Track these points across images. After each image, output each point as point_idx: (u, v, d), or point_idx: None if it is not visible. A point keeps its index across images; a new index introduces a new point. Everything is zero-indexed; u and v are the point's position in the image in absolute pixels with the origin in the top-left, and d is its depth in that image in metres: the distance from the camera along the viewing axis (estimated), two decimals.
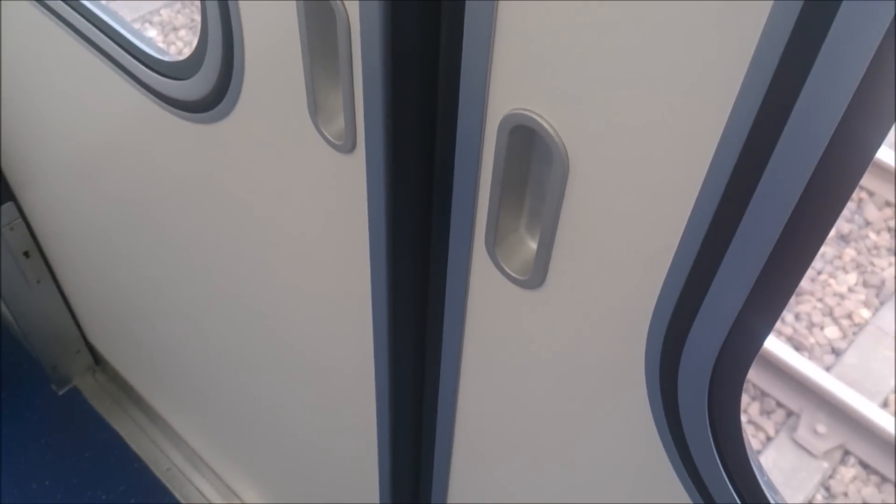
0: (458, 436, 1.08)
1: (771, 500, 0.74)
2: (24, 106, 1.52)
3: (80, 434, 2.18)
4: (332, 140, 0.87)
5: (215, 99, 0.99)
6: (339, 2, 0.74)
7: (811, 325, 3.38)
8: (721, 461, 0.74)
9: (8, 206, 1.83)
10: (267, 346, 1.38)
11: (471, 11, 0.66)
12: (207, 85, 0.99)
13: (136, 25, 4.11)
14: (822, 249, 3.58)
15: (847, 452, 3.05)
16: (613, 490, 0.92)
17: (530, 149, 0.71)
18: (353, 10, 0.74)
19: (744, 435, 0.73)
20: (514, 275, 0.80)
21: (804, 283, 3.47)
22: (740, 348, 0.66)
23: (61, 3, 1.15)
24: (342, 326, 1.12)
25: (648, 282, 0.68)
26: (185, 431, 2.09)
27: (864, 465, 3.02)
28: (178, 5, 4.29)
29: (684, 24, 0.53)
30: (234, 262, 1.27)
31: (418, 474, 1.22)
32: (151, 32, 4.20)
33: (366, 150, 0.84)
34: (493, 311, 0.88)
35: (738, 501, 0.75)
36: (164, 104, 1.09)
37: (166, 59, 1.05)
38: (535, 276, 0.78)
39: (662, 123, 0.59)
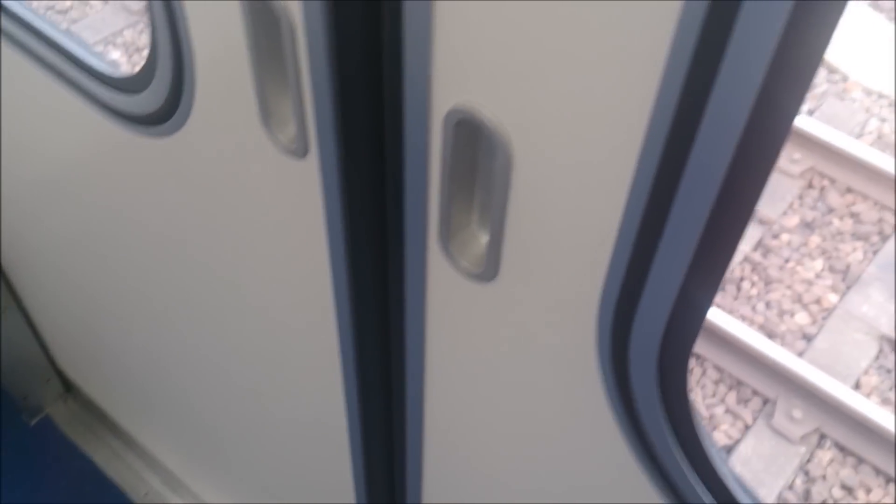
0: (427, 430, 1.09)
1: (719, 469, 0.76)
2: None
3: (54, 464, 2.15)
4: (286, 145, 0.87)
5: (168, 111, 0.99)
6: (284, 12, 0.75)
7: (782, 313, 3.42)
8: (674, 437, 0.75)
9: None
10: (236, 355, 1.38)
11: (409, 11, 0.67)
12: (159, 98, 0.99)
13: (100, 48, 4.09)
14: (789, 237, 3.63)
15: (823, 436, 3.09)
16: (575, 473, 0.93)
17: (476, 143, 0.72)
18: (297, 16, 0.75)
19: (692, 409, 0.74)
20: (468, 269, 0.81)
21: (773, 271, 3.51)
22: (683, 325, 0.69)
23: (12, 23, 1.15)
24: (308, 330, 1.13)
25: (594, 268, 0.70)
26: (160, 453, 2.07)
27: (840, 448, 3.06)
28: (141, 26, 4.28)
29: (608, 20, 0.55)
30: (199, 274, 1.27)
31: (393, 475, 1.22)
32: (115, 54, 4.18)
33: (319, 154, 0.84)
34: (451, 306, 0.89)
35: (688, 471, 0.77)
36: (117, 119, 1.09)
37: (117, 74, 1.05)
38: (489, 269, 0.79)
39: (594, 113, 0.61)
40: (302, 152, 0.86)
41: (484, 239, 0.79)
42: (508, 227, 0.75)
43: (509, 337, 0.86)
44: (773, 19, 0.46)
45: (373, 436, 1.15)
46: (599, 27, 0.56)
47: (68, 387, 2.28)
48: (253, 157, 0.94)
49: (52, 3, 4.32)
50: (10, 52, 1.18)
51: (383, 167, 0.83)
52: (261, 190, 0.98)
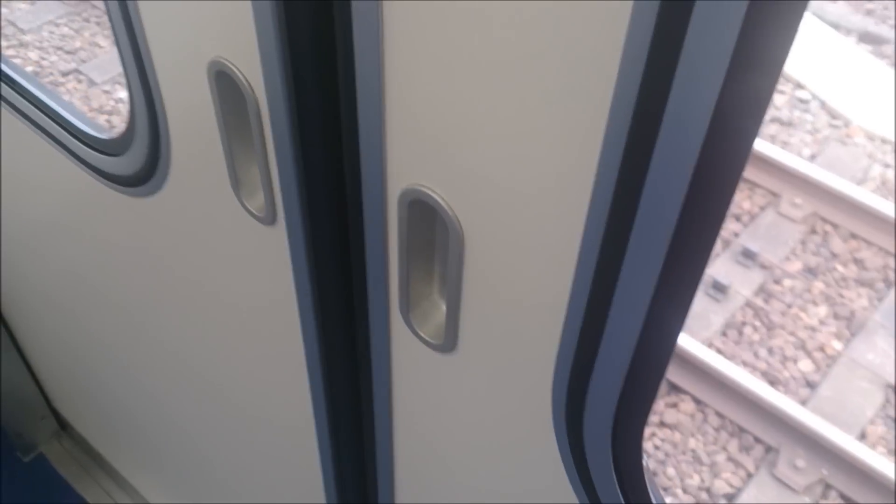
0: (398, 485, 1.10)
1: None
2: None
3: (46, 501, 2.16)
4: (255, 213, 0.89)
5: (147, 174, 1.02)
6: (248, 87, 0.77)
7: (784, 359, 3.40)
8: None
9: None
10: (216, 405, 1.39)
11: (362, 94, 0.69)
12: (139, 161, 1.01)
13: (107, 87, 4.16)
14: (791, 283, 3.62)
15: (828, 486, 3.05)
16: None
17: (432, 219, 0.74)
18: (261, 95, 0.77)
19: (648, 480, 0.75)
20: (428, 339, 0.82)
21: (775, 317, 3.50)
22: (636, 400, 0.70)
23: (8, 87, 1.18)
24: (282, 388, 1.14)
25: (547, 343, 0.71)
26: (150, 494, 2.08)
27: (846, 499, 3.02)
28: None
29: (544, 103, 0.57)
30: (179, 327, 1.29)
31: None
32: (122, 93, 4.25)
33: (286, 222, 0.86)
34: (414, 373, 0.91)
35: None
36: (102, 179, 1.11)
37: (102, 135, 1.08)
38: (448, 341, 0.81)
39: (539, 195, 0.63)
40: (270, 220, 0.88)
41: (444, 310, 0.81)
42: (465, 302, 0.77)
43: (469, 405, 0.87)
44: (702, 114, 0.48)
45: (348, 487, 1.16)
46: (538, 111, 0.58)
47: (63, 425, 2.29)
48: (226, 222, 0.96)
49: (61, 43, 4.40)
50: (6, 114, 1.22)
51: (348, 237, 0.85)
52: (234, 253, 1.00)
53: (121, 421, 1.91)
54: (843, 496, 3.03)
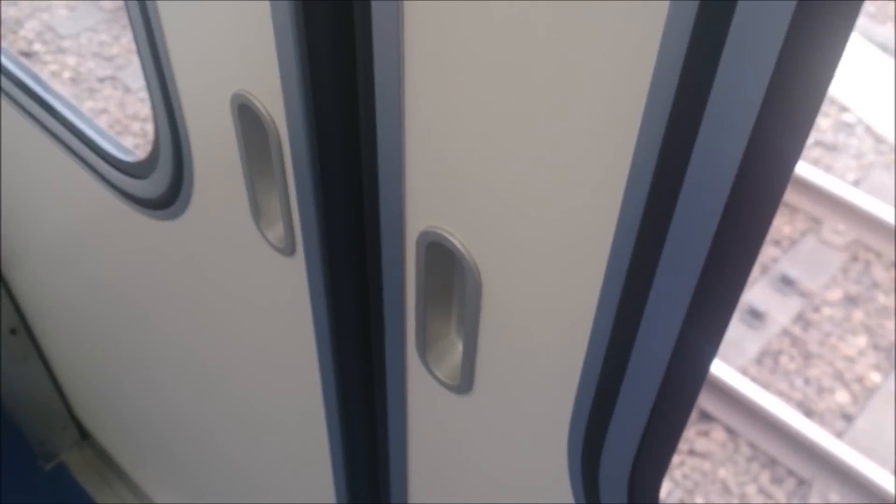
0: None
1: None
2: (10, 195, 1.57)
3: None
4: (274, 244, 0.88)
5: (169, 199, 1.01)
6: (269, 121, 0.76)
7: (821, 390, 3.34)
8: None
9: None
10: (238, 429, 1.39)
11: (382, 134, 0.67)
12: (163, 185, 1.01)
13: (143, 94, 4.19)
14: (830, 311, 3.55)
15: None
16: None
17: (450, 262, 0.72)
18: (283, 129, 0.76)
19: None
20: (444, 380, 0.80)
21: (813, 346, 3.43)
22: (655, 449, 0.67)
23: (39, 109, 1.19)
24: (299, 416, 1.14)
25: (563, 392, 0.69)
26: None
27: None
28: None
29: (567, 151, 0.55)
30: (198, 349, 1.29)
31: None
32: None
33: (305, 255, 0.85)
34: (430, 412, 0.89)
35: None
36: (125, 200, 1.11)
37: (128, 158, 1.07)
38: (464, 382, 0.79)
39: (559, 245, 0.61)
40: (290, 251, 0.87)
41: (460, 351, 0.79)
42: (481, 345, 0.75)
43: (483, 447, 0.86)
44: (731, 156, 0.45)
45: None
46: (559, 158, 0.56)
47: (84, 435, 2.31)
48: (246, 251, 0.95)
49: (99, 49, 4.45)
50: (39, 135, 1.23)
51: (367, 272, 0.84)
52: (252, 282, 0.99)
53: (141, 433, 1.92)
54: None
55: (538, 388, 0.73)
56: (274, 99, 0.74)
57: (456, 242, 0.68)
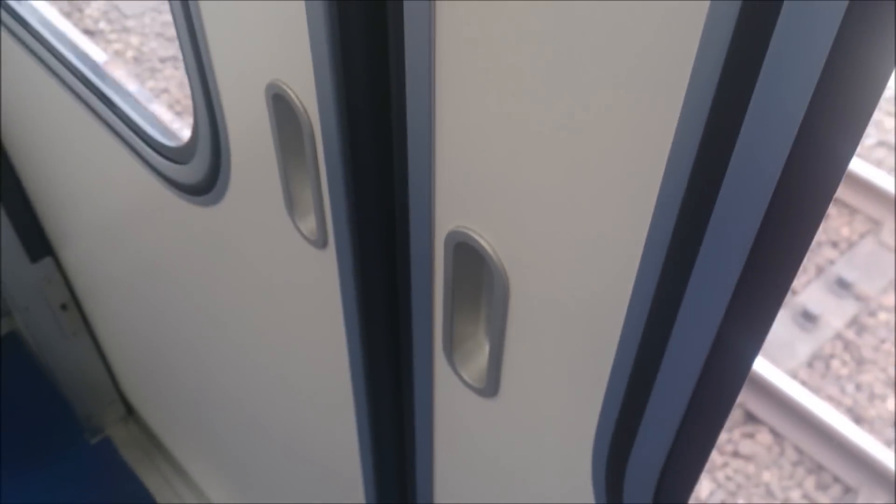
0: None
1: None
2: (63, 176, 1.60)
3: (108, 484, 2.22)
4: (307, 236, 0.88)
5: (209, 185, 1.02)
6: (303, 111, 0.76)
7: (872, 397, 3.27)
8: None
9: (47, 261, 1.90)
10: (272, 413, 1.40)
11: (413, 131, 0.67)
12: (201, 171, 1.01)
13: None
14: (887, 317, 3.46)
15: None
16: None
17: (479, 262, 0.71)
18: (315, 118, 0.75)
19: None
20: (470, 382, 0.79)
21: (866, 351, 3.36)
22: (684, 464, 0.66)
23: (87, 92, 1.21)
24: (328, 408, 1.14)
25: (590, 401, 0.68)
26: (207, 485, 2.12)
27: None
28: None
29: (601, 157, 0.54)
30: (236, 333, 1.30)
31: None
32: None
33: (336, 248, 0.85)
34: (456, 415, 0.88)
35: None
36: (167, 184, 1.12)
37: (172, 143, 1.08)
38: (490, 385, 0.78)
39: (589, 249, 0.60)
40: (322, 244, 0.87)
41: (487, 353, 0.78)
42: (508, 349, 0.74)
43: (508, 451, 0.85)
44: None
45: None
46: (593, 165, 0.55)
47: (130, 410, 2.35)
48: (280, 242, 0.95)
49: (162, 30, 4.50)
50: (86, 117, 1.25)
51: (396, 271, 0.83)
52: (287, 272, 1.00)
53: (184, 411, 1.94)
54: None
55: (565, 393, 0.72)
56: (307, 90, 0.73)
57: (484, 244, 0.67)
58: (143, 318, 1.75)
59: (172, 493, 2.18)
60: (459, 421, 0.88)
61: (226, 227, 1.07)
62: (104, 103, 1.18)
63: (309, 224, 0.88)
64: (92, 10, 4.65)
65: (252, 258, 1.07)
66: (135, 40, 4.46)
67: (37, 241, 1.85)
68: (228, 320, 1.30)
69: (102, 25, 4.55)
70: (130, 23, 4.56)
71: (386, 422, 1.00)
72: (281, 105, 0.78)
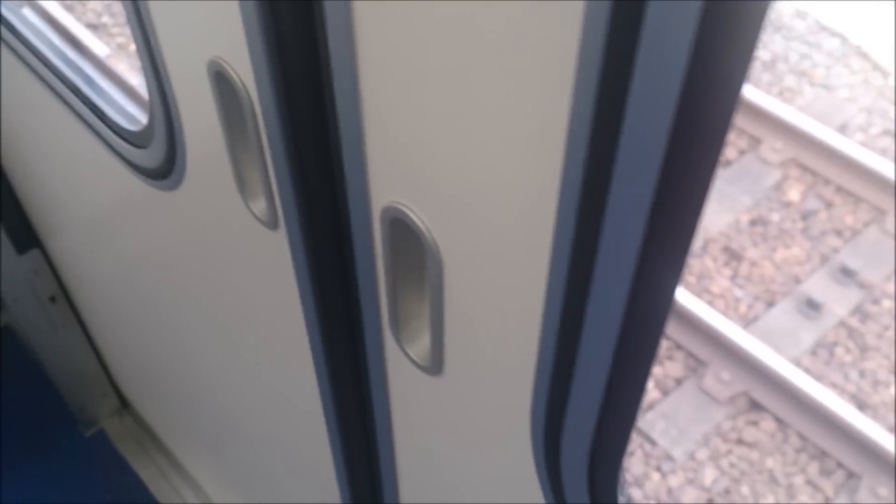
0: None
1: None
2: (46, 167, 1.61)
3: (102, 476, 2.23)
4: (259, 216, 0.88)
5: (167, 169, 1.02)
6: (242, 88, 0.76)
7: (876, 384, 3.25)
8: None
9: (34, 253, 1.91)
10: (248, 403, 1.41)
11: (342, 107, 0.67)
12: (160, 155, 1.01)
13: None
14: (891, 304, 3.44)
15: None
16: None
17: (416, 240, 0.71)
18: (255, 95, 0.75)
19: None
20: (417, 360, 0.79)
21: (870, 338, 3.33)
22: (612, 434, 0.66)
23: (58, 81, 1.21)
24: (295, 390, 1.15)
25: (524, 371, 0.68)
26: (201, 478, 2.12)
27: None
28: None
29: (504, 134, 0.54)
30: (211, 320, 1.31)
31: None
32: None
33: (286, 229, 0.85)
34: (408, 392, 0.89)
35: None
36: (133, 170, 1.12)
37: (132, 127, 1.08)
38: (434, 362, 0.78)
39: (508, 215, 0.60)
40: (273, 224, 0.87)
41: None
42: (448, 325, 0.74)
43: (458, 426, 0.85)
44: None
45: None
46: (504, 138, 0.55)
47: (124, 403, 2.36)
48: (236, 224, 0.95)
49: None
50: (58, 108, 1.25)
51: (346, 249, 0.83)
52: (243, 255, 1.00)
53: (175, 401, 1.95)
54: None
55: (502, 364, 0.72)
56: (246, 67, 0.73)
57: (416, 219, 0.67)
58: (130, 308, 1.76)
59: (168, 485, 2.19)
60: (412, 399, 0.89)
61: (189, 210, 1.07)
62: (72, 91, 1.18)
63: (260, 205, 0.87)
64: (95, 3, 4.67)
65: (214, 242, 1.07)
66: None
67: (23, 232, 1.86)
68: (201, 307, 1.31)
69: (105, 19, 4.57)
70: None
71: (349, 401, 1.00)
72: (223, 83, 0.78)
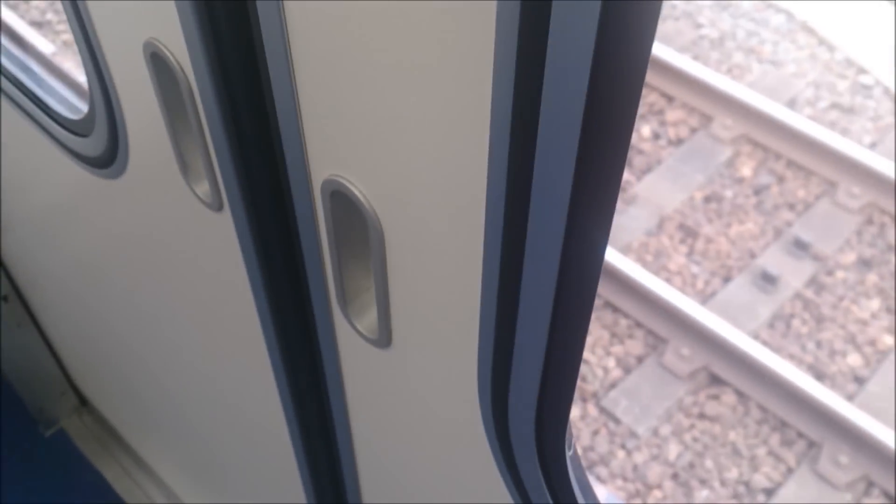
0: (364, 487, 1.09)
1: None
2: None
3: (65, 476, 2.21)
4: (203, 198, 0.88)
5: (111, 156, 1.01)
6: (179, 69, 0.75)
7: (833, 353, 3.31)
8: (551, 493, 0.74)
9: None
10: (204, 392, 1.40)
11: (276, 81, 0.67)
12: (102, 143, 1.01)
13: None
14: (844, 275, 3.50)
15: (871, 484, 2.97)
16: None
17: (358, 212, 0.71)
18: (191, 75, 0.75)
19: (567, 466, 0.73)
20: (365, 334, 0.80)
21: (826, 309, 3.40)
22: (556, 393, 0.67)
23: None
24: (251, 379, 1.14)
25: (468, 337, 0.69)
26: (164, 473, 2.11)
27: (890, 497, 2.94)
28: None
29: (430, 101, 0.55)
30: (162, 311, 1.30)
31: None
32: None
33: (231, 210, 0.85)
34: (359, 368, 0.89)
35: None
36: (77, 160, 1.11)
37: (73, 116, 1.07)
38: (382, 335, 0.78)
39: (442, 185, 0.61)
40: (217, 206, 0.87)
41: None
42: (393, 296, 0.74)
43: (409, 398, 0.86)
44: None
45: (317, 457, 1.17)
46: (430, 104, 0.56)
47: (83, 401, 2.34)
48: (181, 208, 0.95)
49: None
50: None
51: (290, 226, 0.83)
52: (190, 239, 1.00)
53: (133, 397, 1.94)
54: (885, 494, 2.94)
55: (447, 335, 0.73)
56: (180, 47, 0.73)
57: (355, 190, 0.68)
58: (84, 304, 1.75)
59: (132, 481, 2.18)
60: (364, 373, 0.89)
61: (135, 198, 1.07)
62: (12, 83, 1.17)
63: (204, 187, 0.87)
64: (38, 1, 4.60)
65: (161, 229, 1.07)
66: None
67: None
68: (153, 296, 1.30)
69: (50, 16, 4.51)
70: None
71: (302, 379, 1.01)
72: (160, 64, 0.78)
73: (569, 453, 0.71)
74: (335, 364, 0.91)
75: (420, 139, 0.59)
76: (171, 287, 1.19)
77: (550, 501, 0.75)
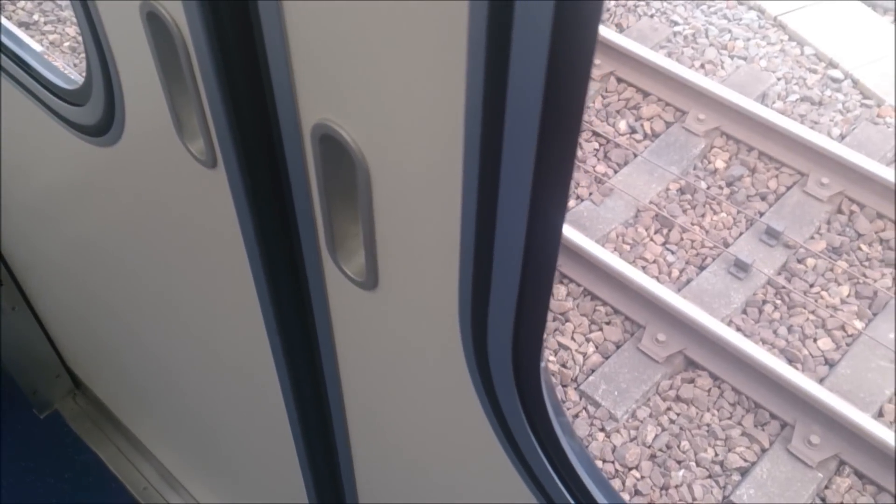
0: (352, 432, 1.14)
1: (564, 442, 0.80)
2: None
3: (60, 456, 2.24)
4: (197, 156, 0.93)
5: (107, 124, 1.06)
6: (175, 27, 0.80)
7: (804, 338, 3.38)
8: (529, 422, 0.80)
9: None
10: (201, 363, 1.44)
11: (268, 30, 0.72)
12: (98, 111, 1.05)
13: None
14: (814, 262, 3.58)
15: (842, 463, 3.03)
16: (447, 456, 0.98)
17: (347, 157, 0.77)
18: (186, 32, 0.80)
19: (543, 393, 0.79)
20: (353, 277, 0.85)
21: (797, 295, 3.47)
22: (529, 325, 0.73)
23: None
24: (245, 338, 1.19)
25: (449, 275, 0.75)
26: (159, 451, 2.14)
27: (860, 476, 3.00)
28: None
29: (412, 49, 0.61)
30: (159, 280, 1.34)
31: (337, 478, 1.28)
32: None
33: (224, 165, 0.90)
34: (348, 312, 0.94)
35: (536, 443, 0.81)
36: (73, 129, 1.16)
37: (68, 86, 1.12)
38: (369, 277, 0.84)
39: (423, 128, 0.66)
40: (211, 163, 0.92)
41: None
42: (379, 238, 0.80)
43: (395, 338, 0.91)
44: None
45: (312, 434, 1.21)
46: (409, 48, 0.62)
47: (77, 383, 2.37)
48: (177, 167, 0.99)
49: None
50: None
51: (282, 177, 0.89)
52: (189, 200, 1.04)
53: (129, 379, 1.96)
54: (857, 473, 3.01)
55: (430, 274, 0.78)
56: (177, 4, 0.77)
57: (344, 133, 0.73)
58: (77, 287, 1.76)
59: (126, 461, 2.21)
60: (352, 316, 0.94)
61: (129, 163, 1.10)
62: (8, 57, 1.20)
63: (198, 145, 0.92)
64: (25, 2, 4.62)
65: (156, 193, 1.10)
66: (71, 30, 4.44)
67: None
68: (148, 264, 1.33)
69: (37, 17, 4.54)
70: (66, 13, 4.54)
71: (293, 327, 1.05)
72: (156, 24, 0.82)
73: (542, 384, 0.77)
74: (324, 309, 0.96)
75: (404, 84, 0.64)
76: (168, 251, 1.23)
77: (527, 426, 0.81)
